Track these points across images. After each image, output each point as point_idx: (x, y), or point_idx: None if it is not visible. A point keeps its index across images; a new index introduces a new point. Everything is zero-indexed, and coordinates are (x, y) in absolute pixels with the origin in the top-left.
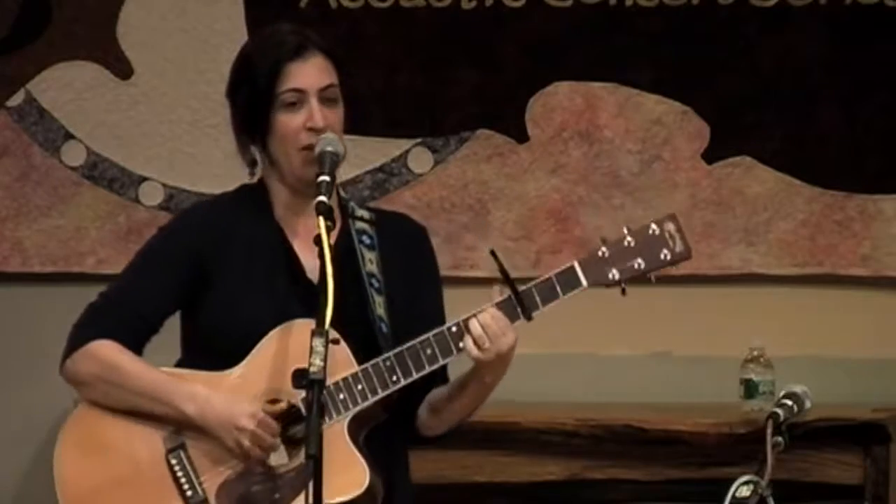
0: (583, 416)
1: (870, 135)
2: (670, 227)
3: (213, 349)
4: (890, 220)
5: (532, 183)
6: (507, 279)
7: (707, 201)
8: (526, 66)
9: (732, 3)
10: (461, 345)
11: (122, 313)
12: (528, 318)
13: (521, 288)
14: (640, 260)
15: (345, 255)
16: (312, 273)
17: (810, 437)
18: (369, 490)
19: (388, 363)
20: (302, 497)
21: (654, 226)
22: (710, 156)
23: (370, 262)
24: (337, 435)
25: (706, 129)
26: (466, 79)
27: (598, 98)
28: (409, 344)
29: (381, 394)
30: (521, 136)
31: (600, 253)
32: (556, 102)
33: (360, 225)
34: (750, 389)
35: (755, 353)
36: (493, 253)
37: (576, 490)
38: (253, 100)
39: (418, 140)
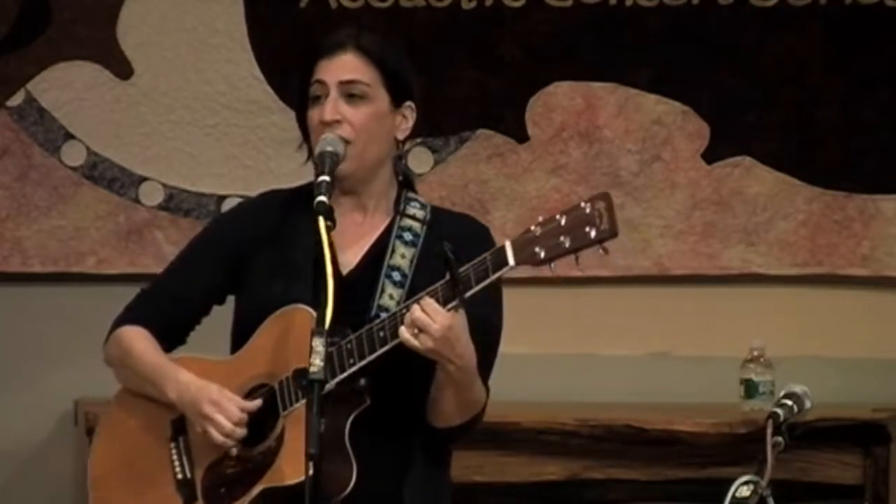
0: (583, 416)
1: (870, 135)
2: (601, 205)
3: (245, 339)
4: (890, 220)
5: (532, 183)
6: (446, 261)
7: (707, 201)
8: (526, 66)
9: (732, 3)
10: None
11: (162, 300)
12: (463, 298)
13: (461, 268)
14: (566, 238)
15: (380, 248)
16: (346, 269)
17: (810, 437)
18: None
19: (349, 346)
20: (265, 478)
21: (584, 204)
22: (710, 156)
23: (401, 256)
24: (297, 420)
25: (706, 129)
26: (466, 79)
27: (598, 98)
28: (367, 327)
29: (340, 376)
30: (521, 136)
31: (531, 232)
32: (556, 102)
33: (407, 222)
34: (750, 389)
35: (755, 353)
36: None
37: (576, 490)
38: (297, 100)
39: (418, 140)
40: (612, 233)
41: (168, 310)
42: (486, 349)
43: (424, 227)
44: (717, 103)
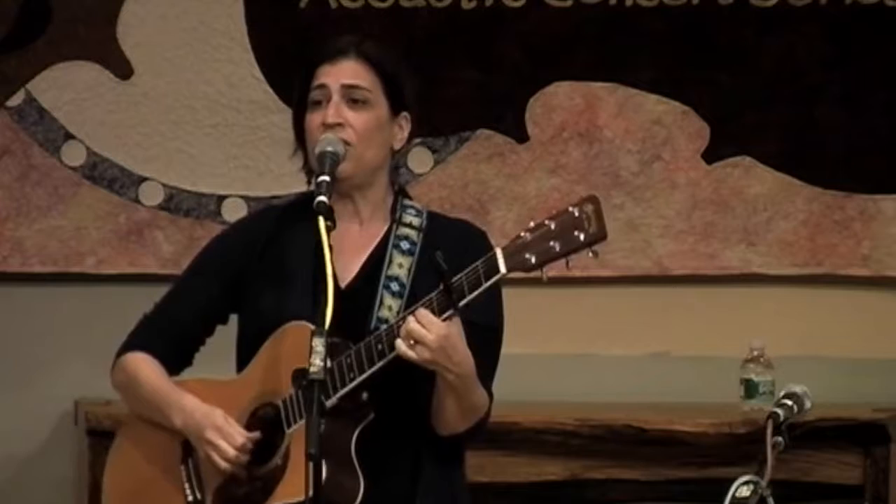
0: (583, 416)
1: (870, 135)
2: (589, 208)
3: (249, 356)
4: (890, 220)
5: (532, 183)
6: (439, 271)
7: (707, 201)
8: (526, 66)
9: (732, 3)
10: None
11: (165, 324)
12: (457, 307)
13: (455, 278)
14: (555, 243)
15: (377, 258)
16: (345, 281)
17: (810, 437)
18: (326, 488)
19: (348, 360)
20: (275, 495)
21: (572, 208)
22: (710, 156)
23: (399, 266)
24: (301, 435)
25: (706, 129)
26: (466, 79)
27: (598, 98)
28: (366, 340)
29: (342, 391)
30: (521, 136)
31: (522, 238)
32: (556, 102)
33: (403, 230)
34: (750, 389)
35: (755, 353)
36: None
37: (576, 490)
38: (295, 104)
39: (418, 140)
40: (601, 235)
41: (172, 333)
42: (487, 354)
43: (421, 235)
44: (717, 103)
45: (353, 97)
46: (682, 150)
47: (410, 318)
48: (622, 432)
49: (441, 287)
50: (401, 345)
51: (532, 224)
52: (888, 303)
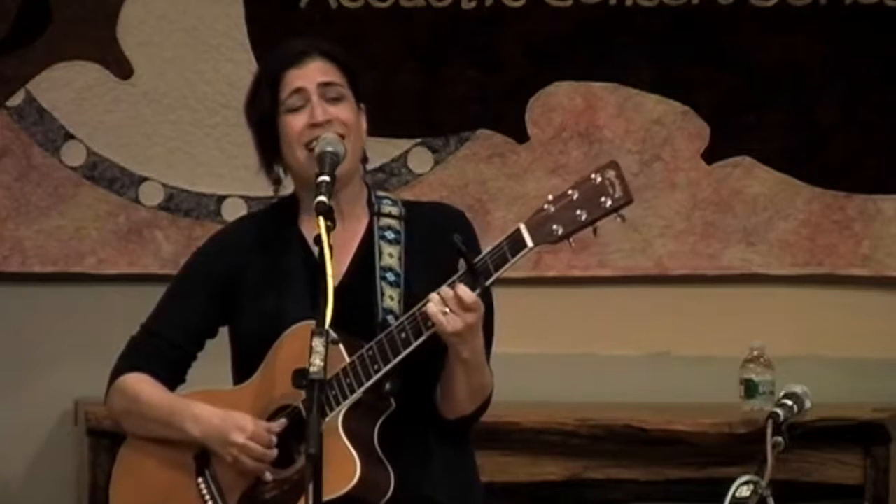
0: (583, 416)
1: (870, 135)
2: (611, 174)
3: (250, 364)
4: (890, 220)
5: (532, 183)
6: (461, 253)
7: (707, 201)
8: (526, 66)
9: (732, 3)
10: (428, 322)
11: (155, 343)
12: (484, 286)
13: (478, 258)
14: (581, 212)
15: (365, 252)
16: (337, 279)
17: (810, 437)
18: (362, 482)
19: (370, 353)
20: (303, 499)
21: (594, 175)
22: (710, 156)
23: (389, 256)
24: (332, 431)
25: (706, 129)
26: (466, 79)
27: (598, 98)
28: (387, 331)
29: (366, 384)
30: (521, 136)
31: (545, 210)
32: (556, 102)
33: (385, 221)
34: (750, 389)
35: (755, 353)
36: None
37: (576, 490)
38: (262, 112)
39: (418, 140)
40: (628, 199)
41: (163, 352)
42: (489, 330)
43: (402, 223)
44: (717, 103)
45: (329, 94)
46: (682, 150)
47: (446, 289)
48: (622, 432)
49: (465, 268)
50: (432, 307)
51: (552, 196)
52: (888, 303)
